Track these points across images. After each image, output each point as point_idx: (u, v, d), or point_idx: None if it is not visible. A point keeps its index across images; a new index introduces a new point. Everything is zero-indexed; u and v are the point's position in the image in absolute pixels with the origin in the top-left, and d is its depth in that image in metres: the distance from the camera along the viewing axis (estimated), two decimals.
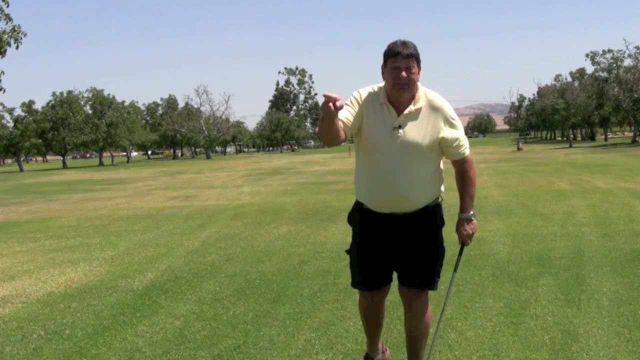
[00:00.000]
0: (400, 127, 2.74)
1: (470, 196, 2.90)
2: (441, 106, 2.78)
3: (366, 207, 2.92)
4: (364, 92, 2.83)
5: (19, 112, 54.60)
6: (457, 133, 2.79)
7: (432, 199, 2.89)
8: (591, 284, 4.70)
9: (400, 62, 2.68)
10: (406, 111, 2.74)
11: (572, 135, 60.72)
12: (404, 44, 2.71)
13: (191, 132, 69.85)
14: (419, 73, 2.74)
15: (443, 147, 2.80)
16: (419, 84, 2.78)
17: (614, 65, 49.58)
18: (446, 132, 2.76)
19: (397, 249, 2.89)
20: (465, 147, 2.83)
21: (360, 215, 2.96)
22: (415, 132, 2.74)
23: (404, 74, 2.67)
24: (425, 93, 2.79)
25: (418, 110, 2.75)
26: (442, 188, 2.94)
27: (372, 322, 3.14)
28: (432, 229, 2.90)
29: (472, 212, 2.91)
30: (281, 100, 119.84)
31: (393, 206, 2.83)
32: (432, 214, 2.89)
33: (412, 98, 2.76)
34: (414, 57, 2.70)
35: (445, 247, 2.97)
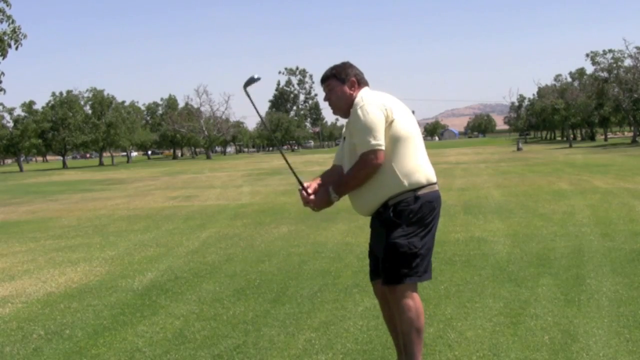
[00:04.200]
0: (344, 138, 3.12)
1: (341, 178, 3.04)
2: (352, 111, 2.97)
3: None
4: None
5: (19, 112, 54.66)
6: (355, 135, 2.92)
7: (378, 200, 2.90)
8: (591, 284, 4.70)
9: (323, 91, 3.11)
10: (345, 122, 3.09)
11: (572, 135, 60.71)
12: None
13: (191, 132, 69.79)
14: (341, 86, 3.03)
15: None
16: (359, 92, 3.02)
17: (614, 65, 49.53)
18: (352, 135, 2.96)
19: (373, 244, 3.12)
20: (360, 146, 2.88)
21: None
22: (347, 139, 3.04)
23: (324, 99, 3.12)
24: (356, 100, 2.99)
25: (348, 120, 3.03)
26: (397, 188, 2.86)
27: (384, 318, 3.22)
28: (385, 227, 2.91)
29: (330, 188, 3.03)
30: (281, 100, 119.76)
31: (355, 208, 3.07)
32: (386, 213, 2.90)
33: (348, 109, 3.02)
34: (328, 79, 3.07)
35: (406, 245, 2.84)
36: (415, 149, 2.93)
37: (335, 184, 3.01)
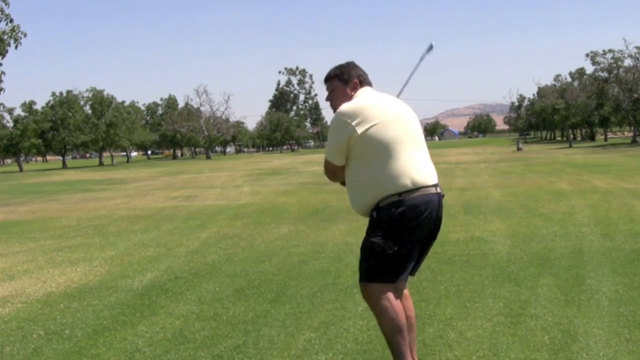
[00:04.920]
0: None
1: None
2: None
3: None
4: None
5: (19, 112, 54.72)
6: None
7: (367, 202, 2.92)
8: (591, 284, 4.70)
9: (326, 90, 3.19)
10: None
11: (572, 135, 60.73)
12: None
13: (191, 132, 69.87)
14: (343, 87, 3.08)
15: None
16: (357, 93, 3.05)
17: (614, 65, 49.53)
18: None
19: None
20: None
21: None
22: None
23: (325, 98, 3.19)
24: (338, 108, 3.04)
25: None
26: (382, 191, 2.85)
27: None
28: (368, 227, 2.97)
29: None
30: (281, 100, 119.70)
31: (353, 208, 3.13)
32: (371, 215, 2.93)
33: None
34: (331, 78, 3.13)
35: (380, 245, 2.84)
36: (403, 152, 2.86)
37: None
